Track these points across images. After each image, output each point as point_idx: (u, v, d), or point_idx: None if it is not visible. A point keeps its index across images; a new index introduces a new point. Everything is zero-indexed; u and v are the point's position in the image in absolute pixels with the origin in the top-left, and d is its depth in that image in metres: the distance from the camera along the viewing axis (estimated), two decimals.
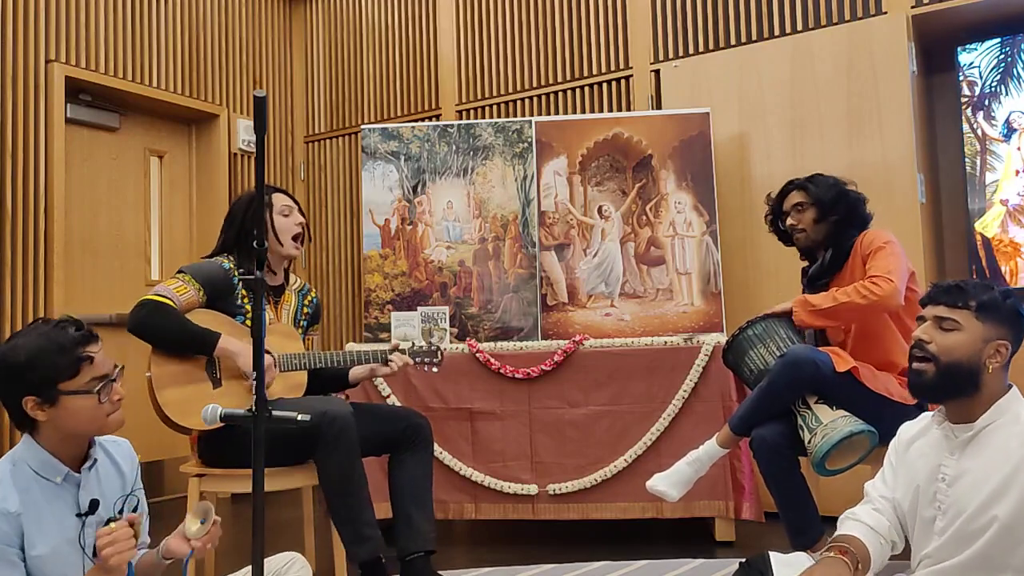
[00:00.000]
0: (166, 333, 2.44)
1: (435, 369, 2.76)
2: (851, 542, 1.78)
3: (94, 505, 1.76)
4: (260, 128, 1.52)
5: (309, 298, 2.82)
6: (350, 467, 2.41)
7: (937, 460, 1.77)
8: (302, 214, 2.73)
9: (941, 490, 1.75)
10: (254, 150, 4.97)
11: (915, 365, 1.78)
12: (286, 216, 2.66)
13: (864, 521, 1.85)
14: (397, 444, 2.69)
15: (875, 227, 2.74)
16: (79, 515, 1.74)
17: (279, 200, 2.68)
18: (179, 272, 2.56)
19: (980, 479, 1.68)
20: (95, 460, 1.79)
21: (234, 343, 2.47)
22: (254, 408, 1.61)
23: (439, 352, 2.76)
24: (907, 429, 1.92)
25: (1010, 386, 1.76)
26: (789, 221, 2.79)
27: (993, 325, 1.73)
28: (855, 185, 2.77)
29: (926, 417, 1.87)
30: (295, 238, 2.67)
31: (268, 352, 2.50)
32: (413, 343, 2.79)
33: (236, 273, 2.56)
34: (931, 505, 1.77)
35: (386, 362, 2.68)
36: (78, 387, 1.69)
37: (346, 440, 2.39)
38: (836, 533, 1.84)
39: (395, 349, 2.71)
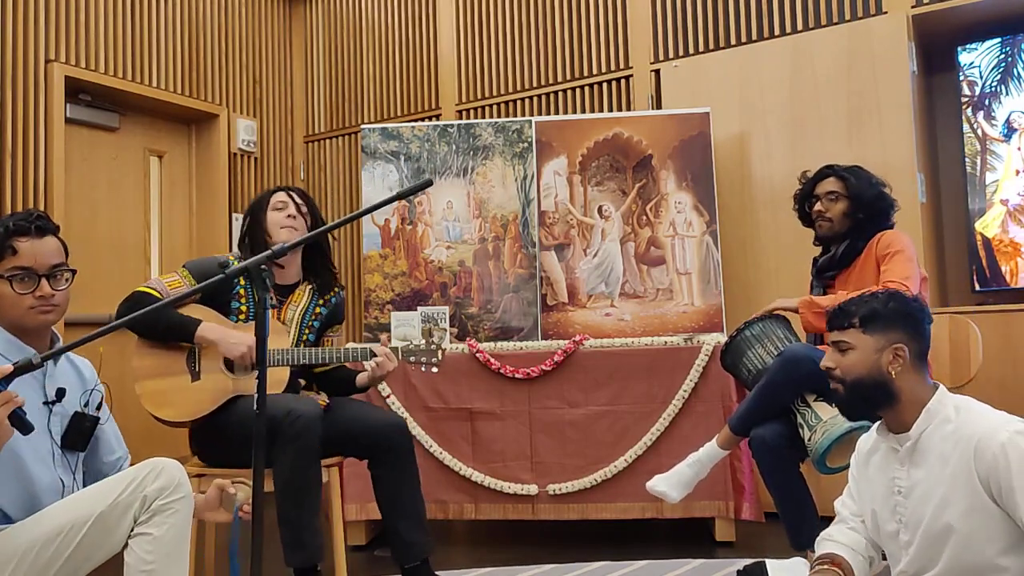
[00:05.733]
0: (147, 320, 2.42)
1: (434, 369, 2.62)
2: (835, 557, 1.83)
3: (60, 393, 1.82)
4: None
5: (328, 296, 2.74)
6: (305, 469, 2.34)
7: (891, 473, 1.80)
8: (304, 212, 2.67)
9: (900, 503, 1.76)
10: (254, 150, 5.00)
11: (830, 387, 1.86)
12: (278, 211, 2.66)
13: (840, 541, 1.88)
14: (373, 455, 2.59)
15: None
16: (46, 403, 1.80)
17: (276, 197, 2.69)
18: (182, 267, 2.63)
19: (929, 488, 1.70)
20: (58, 352, 1.74)
21: (214, 329, 2.47)
22: (256, 404, 1.60)
23: (439, 351, 2.61)
24: (864, 443, 1.94)
25: (936, 386, 1.77)
26: (817, 207, 2.73)
27: (880, 333, 1.78)
28: (890, 189, 2.73)
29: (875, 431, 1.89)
30: (284, 228, 2.63)
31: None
32: (411, 342, 2.64)
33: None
34: (893, 518, 1.78)
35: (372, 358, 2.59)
36: None
37: (306, 440, 2.32)
38: (816, 554, 1.89)
39: (384, 346, 2.60)
